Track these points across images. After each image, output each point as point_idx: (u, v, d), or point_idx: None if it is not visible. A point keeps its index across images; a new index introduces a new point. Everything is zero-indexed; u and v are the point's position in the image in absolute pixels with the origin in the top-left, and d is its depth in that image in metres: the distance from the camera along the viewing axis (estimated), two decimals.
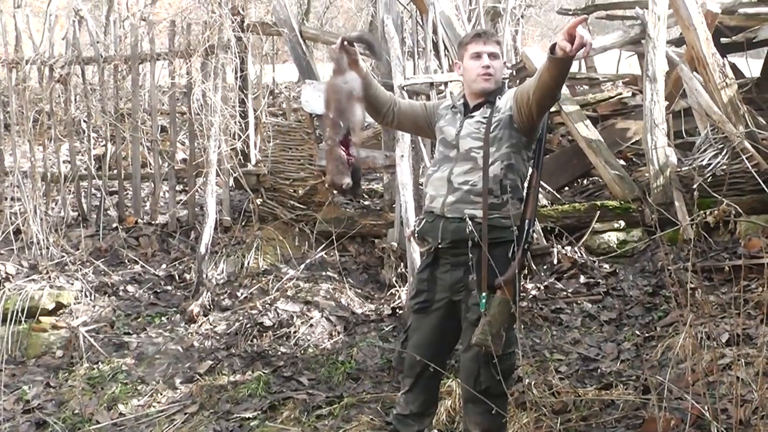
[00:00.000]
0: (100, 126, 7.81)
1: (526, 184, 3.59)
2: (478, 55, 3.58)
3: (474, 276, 3.40)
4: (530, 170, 3.59)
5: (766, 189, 5.82)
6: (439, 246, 3.55)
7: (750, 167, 6.09)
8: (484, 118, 3.54)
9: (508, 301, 3.31)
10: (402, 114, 3.86)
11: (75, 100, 7.86)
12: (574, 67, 5.15)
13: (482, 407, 3.40)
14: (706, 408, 3.19)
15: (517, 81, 7.82)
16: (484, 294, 3.34)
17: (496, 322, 3.28)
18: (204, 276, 6.43)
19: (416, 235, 3.70)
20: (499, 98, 3.58)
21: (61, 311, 6.18)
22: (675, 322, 5.06)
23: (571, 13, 10.20)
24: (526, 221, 3.47)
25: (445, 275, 3.58)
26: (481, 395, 3.36)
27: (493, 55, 3.58)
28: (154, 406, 5.07)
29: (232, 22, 7.20)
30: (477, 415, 3.50)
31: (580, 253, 6.38)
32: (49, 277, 6.49)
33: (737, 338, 4.05)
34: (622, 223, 6.59)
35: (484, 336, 3.26)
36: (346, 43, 3.55)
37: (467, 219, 3.38)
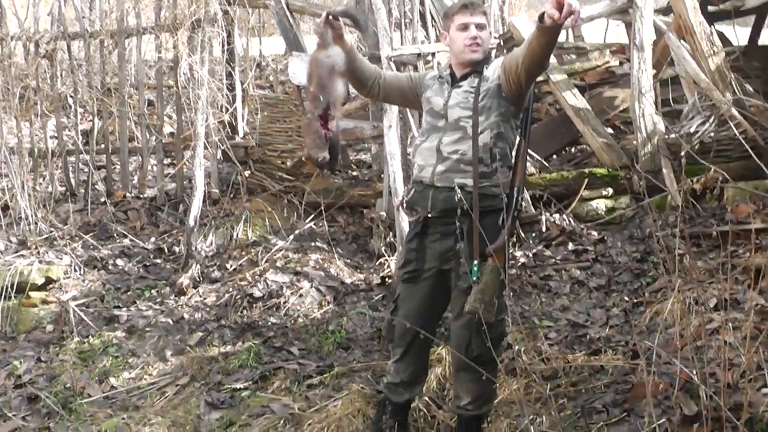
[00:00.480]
0: (87, 101, 7.76)
1: (514, 153, 3.60)
2: (465, 26, 3.57)
3: (463, 244, 3.41)
4: (518, 139, 3.60)
5: (753, 156, 5.85)
6: (429, 215, 3.56)
7: (737, 134, 6.11)
8: (472, 87, 3.54)
9: (499, 268, 3.33)
10: (388, 86, 3.86)
11: (61, 75, 7.83)
12: (561, 37, 5.14)
13: (473, 374, 3.44)
14: (694, 372, 3.22)
15: (504, 51, 7.80)
16: (475, 262, 3.36)
17: (488, 289, 3.30)
18: (193, 248, 6.42)
19: (405, 204, 3.71)
20: (487, 68, 3.58)
21: (50, 286, 6.16)
22: (663, 287, 5.09)
23: None
24: (515, 189, 3.49)
25: (435, 244, 3.59)
26: (473, 362, 3.39)
27: (480, 26, 3.57)
28: (145, 379, 5.08)
29: None
30: (468, 382, 3.55)
31: (569, 220, 6.39)
32: (38, 252, 6.46)
33: (725, 303, 4.08)
34: (610, 191, 6.59)
35: (477, 303, 3.28)
36: (330, 17, 3.54)
37: (457, 188, 3.38)
